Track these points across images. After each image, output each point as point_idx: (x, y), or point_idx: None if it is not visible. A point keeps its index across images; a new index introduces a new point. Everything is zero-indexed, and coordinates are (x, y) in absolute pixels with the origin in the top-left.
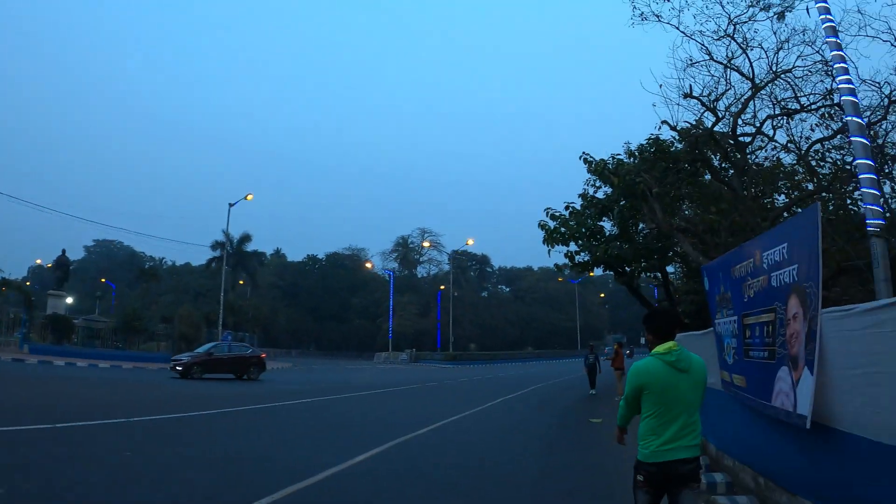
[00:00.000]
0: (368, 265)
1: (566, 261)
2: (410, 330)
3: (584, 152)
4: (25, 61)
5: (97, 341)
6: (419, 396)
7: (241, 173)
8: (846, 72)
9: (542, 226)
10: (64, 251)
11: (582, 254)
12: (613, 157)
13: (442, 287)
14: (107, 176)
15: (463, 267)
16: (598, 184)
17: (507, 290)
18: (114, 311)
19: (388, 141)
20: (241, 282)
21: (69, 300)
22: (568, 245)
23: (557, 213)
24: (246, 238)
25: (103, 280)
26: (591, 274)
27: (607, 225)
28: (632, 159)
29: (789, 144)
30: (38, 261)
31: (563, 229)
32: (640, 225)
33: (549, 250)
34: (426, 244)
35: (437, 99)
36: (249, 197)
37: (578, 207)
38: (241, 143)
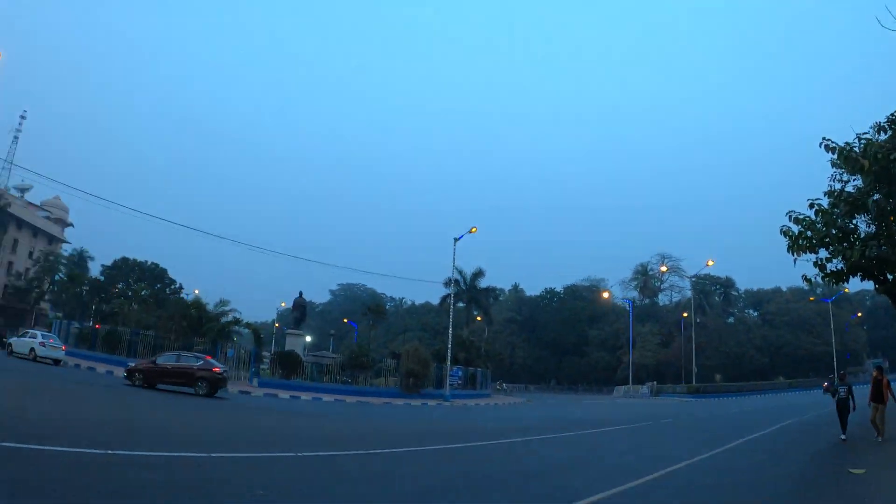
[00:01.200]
0: (605, 295)
1: (816, 271)
2: (652, 361)
3: (824, 138)
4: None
5: (325, 376)
6: (638, 437)
7: (474, 212)
8: None
9: (785, 232)
10: (301, 293)
11: (834, 261)
12: (859, 137)
13: (685, 314)
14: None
15: (706, 292)
16: (844, 177)
17: (755, 314)
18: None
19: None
20: (479, 318)
21: (308, 338)
22: (816, 252)
23: (801, 216)
24: (479, 274)
25: (346, 320)
26: (846, 287)
27: (862, 225)
28: (882, 135)
29: None
30: (283, 304)
31: (808, 233)
32: None
33: (795, 259)
34: (663, 269)
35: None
36: (474, 230)
37: (825, 206)
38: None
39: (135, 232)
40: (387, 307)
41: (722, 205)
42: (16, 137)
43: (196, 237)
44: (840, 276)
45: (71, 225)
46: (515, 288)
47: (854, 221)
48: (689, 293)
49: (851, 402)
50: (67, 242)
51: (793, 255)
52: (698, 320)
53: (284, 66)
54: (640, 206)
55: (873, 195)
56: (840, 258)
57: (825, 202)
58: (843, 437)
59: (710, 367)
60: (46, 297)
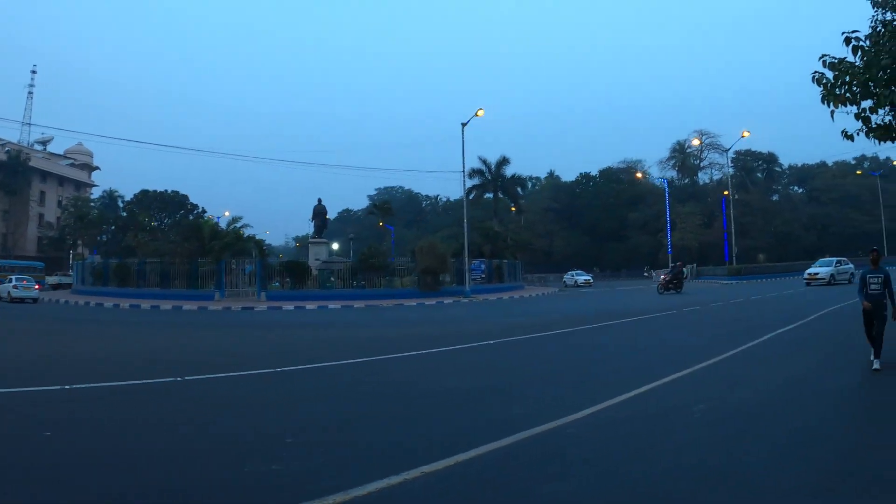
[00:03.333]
0: (639, 175)
1: (859, 125)
2: (694, 243)
3: None
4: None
5: (338, 283)
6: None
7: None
8: None
9: (818, 79)
10: (320, 200)
11: (881, 111)
12: None
13: (726, 192)
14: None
15: (748, 168)
16: (888, 16)
17: (800, 190)
18: (396, 252)
19: (659, 44)
20: (513, 208)
21: (335, 246)
22: (858, 102)
23: (837, 60)
24: (504, 162)
25: (381, 224)
26: None
27: None
28: None
29: None
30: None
31: (847, 78)
32: None
33: (832, 112)
34: (696, 142)
35: None
36: (480, 113)
37: (867, 45)
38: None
39: (166, 166)
40: (423, 206)
41: (762, 69)
42: (30, 93)
43: (228, 163)
44: (889, 132)
45: (97, 168)
46: (551, 175)
47: None
48: (729, 170)
49: (890, 304)
50: (96, 185)
51: (829, 106)
52: (736, 196)
53: None
54: (674, 77)
55: None
56: (888, 107)
57: (867, 43)
58: (875, 365)
59: (755, 248)
60: (79, 242)
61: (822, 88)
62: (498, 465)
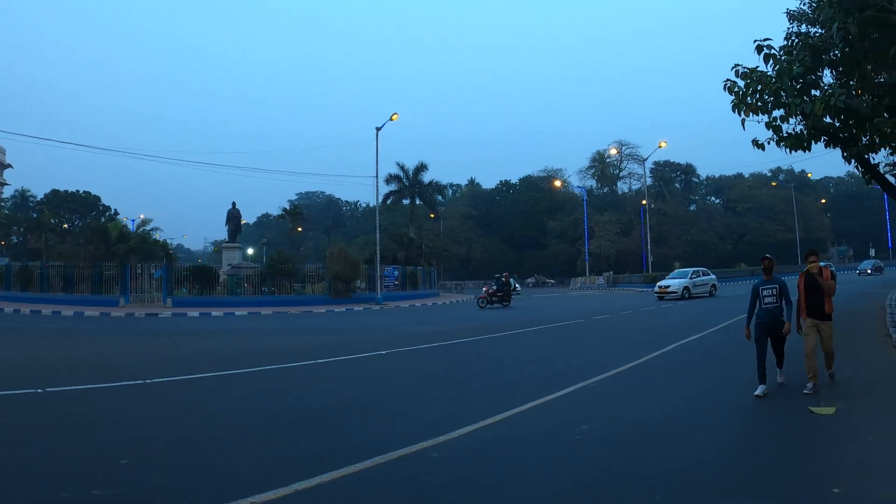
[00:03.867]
0: (557, 184)
1: (770, 134)
2: (612, 251)
3: None
4: None
5: (247, 288)
6: (529, 349)
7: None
8: None
9: (730, 87)
10: (234, 203)
11: (792, 121)
12: None
13: (644, 202)
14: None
15: (666, 178)
16: (803, 28)
17: (718, 201)
18: (314, 258)
19: (582, 54)
20: (432, 215)
21: (250, 251)
22: (769, 112)
23: (749, 70)
24: (421, 168)
25: (299, 229)
26: (809, 172)
27: (828, 79)
28: None
29: None
30: (244, 221)
31: (759, 87)
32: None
33: (743, 121)
34: (613, 151)
35: None
36: (395, 117)
37: (780, 54)
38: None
39: (84, 168)
40: (342, 211)
41: (681, 87)
42: None
43: (150, 167)
44: (799, 141)
45: (10, 166)
46: (472, 182)
47: (816, 74)
48: (648, 180)
49: (785, 316)
50: (8, 184)
51: (739, 115)
52: (653, 205)
53: None
54: (597, 88)
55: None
56: (799, 116)
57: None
58: (758, 390)
59: (671, 256)
60: None
61: (733, 97)
62: (343, 494)
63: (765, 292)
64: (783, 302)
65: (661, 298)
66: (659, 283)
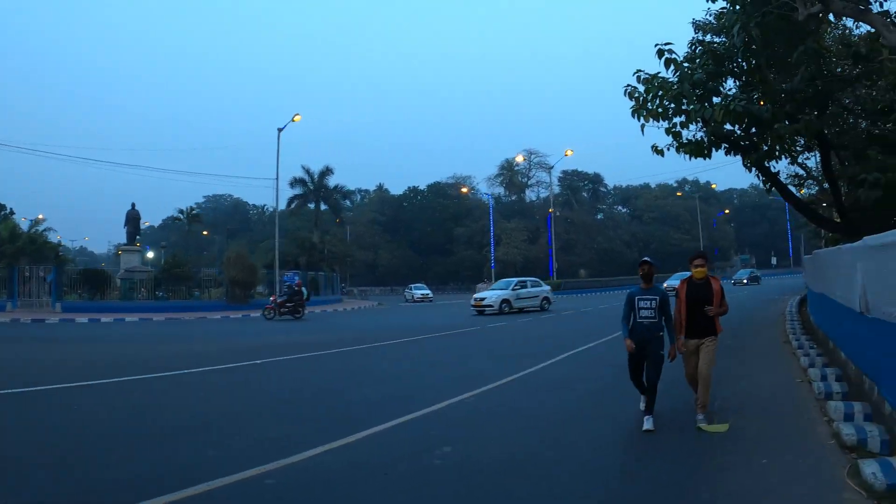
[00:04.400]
0: (464, 190)
1: (670, 140)
2: (519, 258)
3: None
4: None
5: (140, 293)
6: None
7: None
8: None
9: (630, 93)
10: (133, 205)
11: (693, 128)
12: None
13: (551, 210)
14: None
15: (574, 187)
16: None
17: (625, 210)
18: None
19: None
20: (338, 220)
21: (150, 254)
22: (670, 119)
23: (650, 76)
24: (327, 172)
25: (205, 233)
26: (714, 184)
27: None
28: None
29: None
30: (146, 222)
31: (661, 93)
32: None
33: (643, 126)
34: (520, 158)
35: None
36: (297, 118)
37: (682, 62)
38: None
39: None
40: (249, 214)
41: (592, 97)
42: None
43: (55, 168)
44: (699, 148)
45: None
46: (381, 188)
47: (718, 81)
48: (555, 188)
49: (663, 336)
50: None
51: (639, 120)
52: (559, 213)
53: None
54: (509, 96)
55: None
56: (699, 122)
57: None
58: (647, 424)
59: (578, 263)
60: None
61: (633, 102)
62: None
63: (642, 304)
64: (662, 319)
65: (480, 313)
66: (475, 296)
